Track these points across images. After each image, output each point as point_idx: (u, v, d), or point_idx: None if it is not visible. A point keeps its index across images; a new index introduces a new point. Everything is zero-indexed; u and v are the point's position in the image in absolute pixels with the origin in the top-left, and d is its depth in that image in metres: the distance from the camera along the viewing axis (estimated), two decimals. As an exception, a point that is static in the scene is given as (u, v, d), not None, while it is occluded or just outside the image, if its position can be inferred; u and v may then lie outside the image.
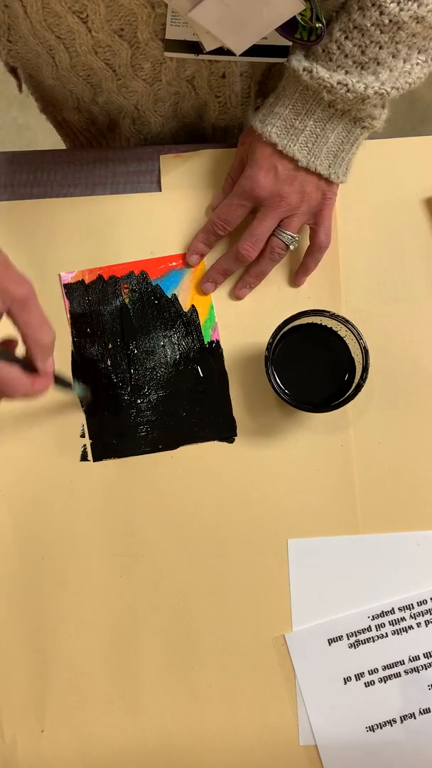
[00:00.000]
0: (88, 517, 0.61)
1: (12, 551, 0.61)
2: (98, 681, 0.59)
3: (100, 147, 0.79)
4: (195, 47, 0.56)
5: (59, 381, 0.55)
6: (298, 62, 0.55)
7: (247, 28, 0.51)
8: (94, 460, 0.62)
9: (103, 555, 0.61)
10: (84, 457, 0.62)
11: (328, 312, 0.57)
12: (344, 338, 0.59)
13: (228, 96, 0.66)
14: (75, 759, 0.58)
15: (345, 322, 0.56)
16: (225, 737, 0.58)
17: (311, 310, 0.57)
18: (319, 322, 0.59)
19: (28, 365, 0.49)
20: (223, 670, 0.59)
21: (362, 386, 0.55)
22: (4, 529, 0.61)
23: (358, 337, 0.56)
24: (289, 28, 0.52)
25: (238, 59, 0.58)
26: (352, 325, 0.56)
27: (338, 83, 0.54)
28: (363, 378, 0.56)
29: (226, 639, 0.59)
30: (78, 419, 0.62)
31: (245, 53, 0.54)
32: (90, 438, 0.62)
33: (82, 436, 0.62)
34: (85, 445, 0.62)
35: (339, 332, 0.59)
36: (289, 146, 0.58)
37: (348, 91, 0.54)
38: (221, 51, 0.55)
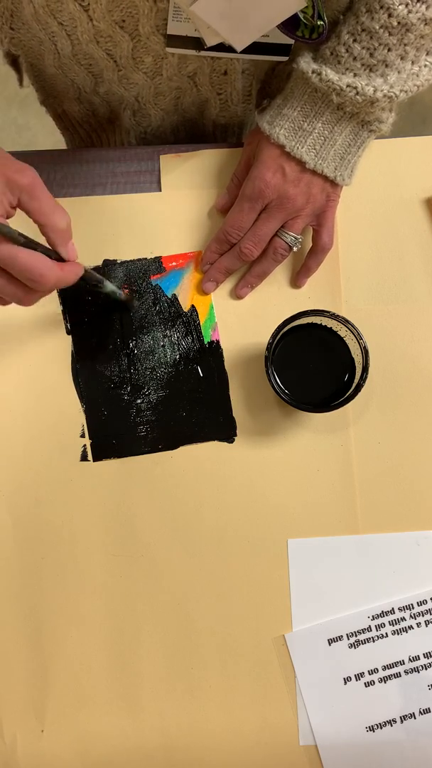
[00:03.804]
0: (88, 517, 0.61)
1: (12, 551, 0.61)
2: (98, 681, 0.59)
3: (99, 140, 0.79)
4: (197, 43, 0.56)
5: (87, 276, 0.54)
6: (307, 64, 0.55)
7: (249, 24, 0.51)
8: (94, 460, 0.62)
9: (103, 555, 0.61)
10: (84, 457, 0.62)
11: (328, 312, 0.57)
12: (344, 338, 0.59)
13: (229, 93, 0.66)
14: (75, 759, 0.58)
15: (345, 322, 0.56)
16: (225, 737, 0.58)
17: (311, 310, 0.57)
18: (319, 322, 0.59)
19: (53, 256, 0.48)
20: (223, 670, 0.59)
21: (362, 386, 0.55)
22: (4, 529, 0.61)
23: (358, 337, 0.56)
24: (290, 25, 0.52)
25: (239, 56, 0.58)
26: (352, 325, 0.56)
27: (347, 86, 0.54)
28: (363, 378, 0.56)
29: (226, 639, 0.59)
30: (78, 419, 0.62)
31: (247, 50, 0.54)
32: (90, 438, 0.62)
33: (82, 436, 0.62)
34: (85, 445, 0.62)
35: (339, 332, 0.59)
36: (297, 148, 0.58)
37: (357, 93, 0.54)
38: (223, 48, 0.55)
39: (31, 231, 0.47)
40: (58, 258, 0.48)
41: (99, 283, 0.57)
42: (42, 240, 0.48)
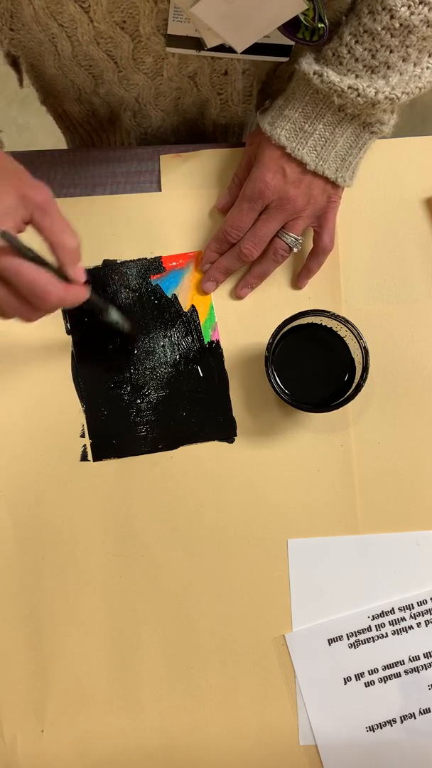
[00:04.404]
0: (88, 517, 0.61)
1: (12, 551, 0.61)
2: (98, 681, 0.59)
3: (100, 140, 0.79)
4: (197, 43, 0.56)
5: (91, 302, 0.53)
6: (309, 66, 0.55)
7: (249, 25, 0.51)
8: (94, 460, 0.62)
9: (103, 555, 0.61)
10: (84, 457, 0.62)
11: (328, 312, 0.57)
12: (344, 338, 0.59)
13: (230, 93, 0.66)
14: (75, 759, 0.58)
15: (345, 322, 0.56)
16: (225, 737, 0.58)
17: (311, 310, 0.57)
18: (319, 322, 0.59)
19: (60, 275, 0.48)
20: (223, 670, 0.59)
21: (362, 386, 0.55)
22: (4, 529, 0.61)
23: (358, 337, 0.56)
24: (291, 27, 0.52)
25: (240, 57, 0.58)
26: (352, 325, 0.56)
27: (349, 87, 0.54)
28: (363, 378, 0.56)
29: (226, 639, 0.59)
30: (78, 419, 0.62)
31: (247, 51, 0.54)
32: (90, 438, 0.62)
33: (82, 436, 0.62)
34: (85, 445, 0.62)
35: (339, 332, 0.59)
36: (298, 149, 0.58)
37: (359, 95, 0.54)
38: (223, 48, 0.55)
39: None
40: (65, 280, 0.48)
41: (103, 310, 0.57)
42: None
